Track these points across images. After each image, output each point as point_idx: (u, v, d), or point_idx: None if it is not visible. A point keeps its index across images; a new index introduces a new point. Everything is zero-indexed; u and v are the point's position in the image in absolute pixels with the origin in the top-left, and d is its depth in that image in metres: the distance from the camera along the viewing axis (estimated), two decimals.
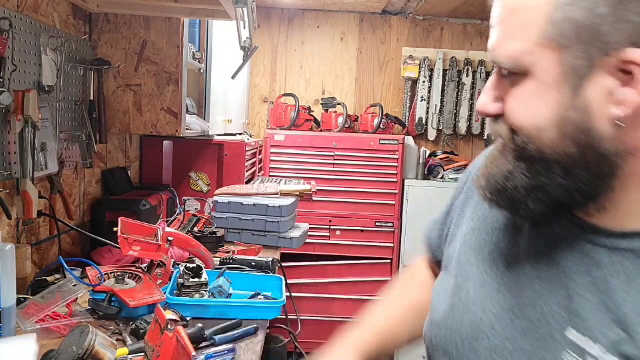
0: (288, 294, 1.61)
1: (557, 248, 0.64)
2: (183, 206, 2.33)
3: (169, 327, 0.99)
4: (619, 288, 0.58)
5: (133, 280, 1.51)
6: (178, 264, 1.65)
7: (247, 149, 2.82)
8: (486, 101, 0.64)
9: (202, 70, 2.60)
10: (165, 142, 2.69)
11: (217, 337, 1.29)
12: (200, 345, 1.26)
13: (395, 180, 3.42)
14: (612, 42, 0.54)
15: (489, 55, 0.63)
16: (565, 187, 0.59)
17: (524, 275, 0.66)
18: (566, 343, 0.59)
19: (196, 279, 1.49)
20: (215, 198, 2.31)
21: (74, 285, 1.40)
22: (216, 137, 2.75)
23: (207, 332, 1.29)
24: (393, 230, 3.45)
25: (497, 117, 0.64)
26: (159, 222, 1.82)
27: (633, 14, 0.52)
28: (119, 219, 1.57)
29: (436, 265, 0.95)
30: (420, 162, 3.56)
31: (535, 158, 0.60)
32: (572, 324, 0.60)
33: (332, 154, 3.42)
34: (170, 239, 1.60)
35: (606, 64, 0.55)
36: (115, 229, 1.54)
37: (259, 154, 3.39)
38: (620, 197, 0.60)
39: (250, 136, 3.51)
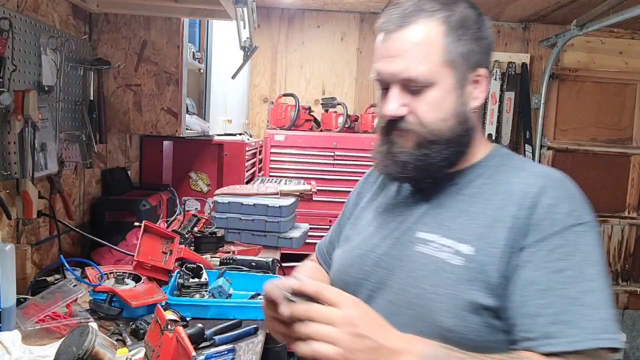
0: None
1: (413, 196, 1.01)
2: (183, 206, 2.33)
3: (169, 327, 0.99)
4: (446, 205, 0.95)
5: (133, 280, 1.51)
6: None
7: (247, 149, 2.82)
8: (396, 107, 0.93)
9: (202, 70, 2.60)
10: (165, 142, 2.69)
11: (217, 337, 1.29)
12: (200, 346, 1.26)
13: None
14: (473, 63, 0.93)
15: (396, 76, 0.91)
16: (446, 155, 0.94)
17: (391, 215, 1.01)
18: (417, 240, 0.94)
19: (196, 279, 1.49)
20: (215, 198, 2.31)
21: (74, 286, 1.40)
22: (216, 137, 2.75)
23: (207, 332, 1.29)
24: None
25: (402, 117, 0.93)
26: (159, 222, 1.82)
27: (478, 50, 0.93)
28: (140, 236, 1.57)
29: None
30: None
31: (433, 141, 0.92)
32: (419, 229, 0.95)
33: (332, 154, 3.42)
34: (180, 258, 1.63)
35: (470, 76, 0.94)
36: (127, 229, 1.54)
37: (259, 154, 3.38)
38: (469, 152, 0.98)
39: (250, 136, 3.51)
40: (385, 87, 0.95)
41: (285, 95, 3.68)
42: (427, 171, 0.95)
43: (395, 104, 0.93)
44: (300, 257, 3.21)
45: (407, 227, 0.96)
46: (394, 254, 0.95)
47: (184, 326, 1.29)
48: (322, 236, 1.21)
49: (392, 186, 1.07)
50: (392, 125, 0.95)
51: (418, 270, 0.91)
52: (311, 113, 3.69)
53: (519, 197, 0.88)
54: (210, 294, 1.49)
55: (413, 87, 0.91)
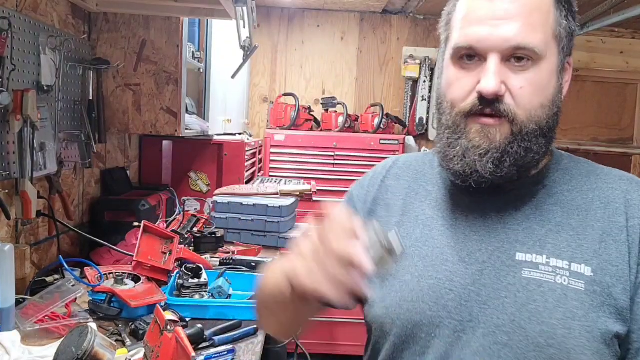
0: None
1: (478, 206, 0.82)
2: (182, 206, 2.33)
3: (169, 327, 0.98)
4: (536, 218, 0.79)
5: (132, 280, 1.50)
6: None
7: (246, 148, 2.82)
8: (496, 82, 0.74)
9: (201, 70, 2.60)
10: (165, 142, 2.68)
11: (216, 338, 1.29)
12: (200, 346, 1.25)
13: None
14: (570, 46, 0.80)
15: (506, 43, 0.74)
16: (545, 151, 0.79)
17: (462, 232, 0.81)
18: (519, 264, 0.76)
19: (195, 280, 1.49)
20: (215, 198, 2.31)
21: (73, 286, 1.39)
22: (216, 137, 2.75)
23: (207, 333, 1.29)
24: None
25: (499, 98, 0.75)
26: (158, 223, 1.82)
27: (575, 32, 0.80)
28: (140, 237, 1.56)
29: None
30: None
31: (532, 132, 0.76)
32: (516, 249, 0.77)
33: (332, 154, 3.42)
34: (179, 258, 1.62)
35: (566, 60, 0.80)
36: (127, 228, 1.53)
37: (259, 154, 3.38)
38: None
39: (250, 136, 3.50)
40: (473, 57, 0.77)
41: (285, 95, 3.68)
42: (524, 170, 0.78)
43: (496, 79, 0.74)
44: None
45: (496, 247, 0.78)
46: (487, 283, 0.77)
47: (184, 327, 1.29)
48: None
49: (429, 194, 0.88)
50: (481, 109, 0.76)
51: (535, 302, 0.74)
52: (311, 113, 3.68)
53: (623, 206, 0.78)
54: (210, 295, 1.49)
55: (518, 62, 0.75)
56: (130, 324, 1.33)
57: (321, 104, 3.72)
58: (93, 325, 1.23)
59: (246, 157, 2.81)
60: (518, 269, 0.76)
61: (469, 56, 0.77)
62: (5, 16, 1.36)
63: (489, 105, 0.75)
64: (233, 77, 2.34)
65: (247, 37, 2.08)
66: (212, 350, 1.22)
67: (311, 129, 3.65)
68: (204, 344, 1.26)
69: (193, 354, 0.91)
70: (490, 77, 0.74)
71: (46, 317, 1.30)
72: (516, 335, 0.73)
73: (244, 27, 2.01)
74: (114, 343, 1.13)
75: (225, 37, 2.72)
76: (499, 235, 0.79)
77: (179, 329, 0.97)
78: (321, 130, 3.65)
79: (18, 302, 1.31)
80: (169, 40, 1.98)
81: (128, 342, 1.26)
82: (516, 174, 0.77)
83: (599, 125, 3.91)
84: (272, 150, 3.44)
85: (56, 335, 1.26)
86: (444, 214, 0.84)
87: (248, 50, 2.11)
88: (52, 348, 1.12)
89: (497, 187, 0.79)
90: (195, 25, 2.49)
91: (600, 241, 0.76)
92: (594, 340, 0.72)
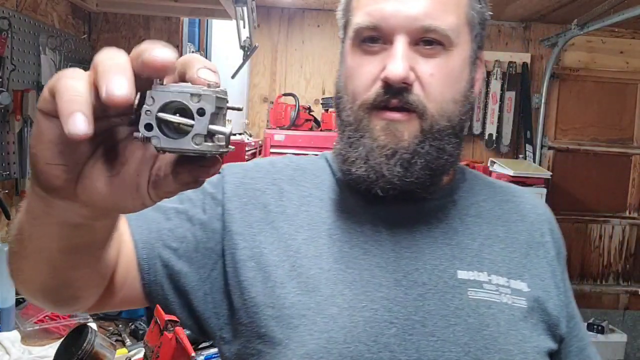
0: None
1: (412, 216, 0.70)
2: None
3: (169, 327, 0.98)
4: (461, 230, 0.70)
5: None
6: None
7: (246, 148, 2.82)
8: (404, 68, 0.63)
9: None
10: None
11: None
12: (200, 346, 1.25)
13: None
14: (482, 38, 0.70)
15: (414, 23, 0.64)
16: (458, 151, 0.70)
17: (390, 249, 0.67)
18: (465, 283, 0.66)
19: None
20: None
21: None
22: None
23: None
24: None
25: (408, 88, 0.64)
26: None
27: (487, 24, 0.71)
28: None
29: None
30: None
31: (443, 129, 0.66)
32: (456, 267, 0.67)
33: None
34: None
35: (477, 54, 0.70)
36: None
37: (259, 154, 3.38)
38: None
39: (250, 136, 3.50)
40: (376, 39, 0.66)
41: (285, 94, 3.68)
42: (437, 175, 0.68)
43: (404, 63, 0.63)
44: None
45: (434, 265, 0.67)
46: (432, 309, 0.64)
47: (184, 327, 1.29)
48: None
49: (334, 203, 0.71)
50: (387, 99, 0.64)
51: (488, 327, 0.64)
52: (311, 113, 3.68)
53: (536, 221, 0.76)
54: None
55: (427, 46, 0.65)
56: (130, 324, 1.33)
57: (321, 104, 3.73)
58: (93, 325, 1.23)
59: (246, 157, 2.81)
60: (463, 289, 0.65)
61: (372, 39, 0.66)
62: (5, 16, 1.36)
63: (395, 95, 0.64)
64: (233, 77, 2.34)
65: (247, 37, 2.08)
66: (212, 350, 1.22)
67: (311, 129, 3.65)
68: (204, 344, 1.26)
69: (193, 354, 0.91)
70: (397, 61, 0.63)
71: (46, 317, 1.30)
72: None
73: (244, 27, 2.01)
74: (114, 343, 1.13)
75: (225, 37, 2.72)
76: (435, 252, 0.68)
77: (179, 329, 0.97)
78: (321, 130, 3.65)
79: (18, 302, 1.31)
80: (169, 41, 1.98)
81: (128, 342, 1.27)
82: (429, 179, 0.66)
83: (599, 125, 3.91)
84: (272, 150, 3.44)
85: (56, 335, 1.26)
86: (361, 227, 0.68)
87: (248, 50, 2.11)
88: (52, 348, 1.13)
89: (410, 195, 0.68)
90: (195, 25, 2.49)
91: (526, 254, 0.71)
92: None
